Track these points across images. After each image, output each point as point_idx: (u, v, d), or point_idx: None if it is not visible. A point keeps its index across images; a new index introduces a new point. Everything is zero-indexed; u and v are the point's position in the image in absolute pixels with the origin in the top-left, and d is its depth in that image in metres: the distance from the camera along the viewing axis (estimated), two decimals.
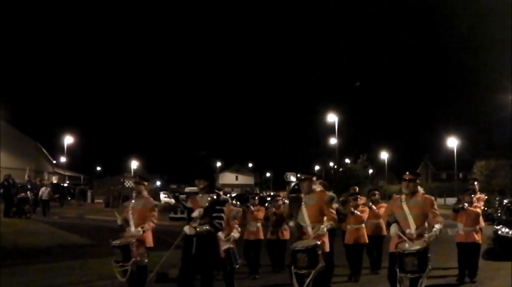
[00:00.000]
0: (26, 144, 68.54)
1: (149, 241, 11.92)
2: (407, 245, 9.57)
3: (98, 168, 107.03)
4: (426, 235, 9.67)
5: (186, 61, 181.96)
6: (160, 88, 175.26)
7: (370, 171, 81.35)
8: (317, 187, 11.13)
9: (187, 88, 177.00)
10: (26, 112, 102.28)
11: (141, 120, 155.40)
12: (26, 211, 33.47)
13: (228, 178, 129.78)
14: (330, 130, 71.38)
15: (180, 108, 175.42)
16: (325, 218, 10.44)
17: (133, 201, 12.30)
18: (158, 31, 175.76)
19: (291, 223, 10.77)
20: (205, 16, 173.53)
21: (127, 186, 54.07)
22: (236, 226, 13.13)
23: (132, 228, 11.83)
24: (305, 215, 10.51)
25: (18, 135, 67.64)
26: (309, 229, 10.39)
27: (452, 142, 74.90)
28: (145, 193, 12.29)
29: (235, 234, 13.04)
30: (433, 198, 10.28)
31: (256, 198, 17.15)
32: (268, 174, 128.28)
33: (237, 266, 12.95)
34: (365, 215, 15.22)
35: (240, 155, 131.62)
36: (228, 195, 61.50)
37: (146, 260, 11.77)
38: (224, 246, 12.05)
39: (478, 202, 15.35)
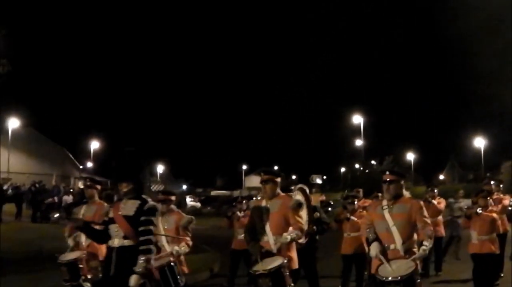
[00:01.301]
0: (53, 150, 68.96)
1: (102, 252, 9.96)
2: (389, 269, 7.74)
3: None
4: (415, 255, 7.87)
5: (212, 66, 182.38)
6: (186, 93, 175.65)
7: None
8: (296, 194, 9.36)
9: (212, 94, 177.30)
10: (53, 118, 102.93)
11: (167, 124, 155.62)
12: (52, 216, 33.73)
13: (254, 181, 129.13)
14: (355, 131, 71.30)
15: (206, 113, 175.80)
16: (290, 228, 8.62)
17: (83, 207, 10.77)
18: (179, 37, 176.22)
19: (252, 247, 8.70)
20: (224, 19, 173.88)
21: (153, 190, 54.29)
22: (188, 238, 10.42)
23: (83, 239, 10.44)
24: (266, 225, 8.72)
25: (45, 141, 68.11)
26: (271, 242, 8.59)
27: (479, 142, 74.30)
28: (97, 198, 10.95)
29: (182, 247, 10.30)
30: (421, 202, 8.39)
31: (244, 202, 14.58)
32: (293, 177, 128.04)
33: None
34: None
35: (266, 158, 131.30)
36: (254, 198, 61.63)
37: (101, 275, 9.70)
38: (159, 262, 9.82)
39: (496, 205, 13.86)
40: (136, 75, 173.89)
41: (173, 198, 10.86)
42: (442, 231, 16.27)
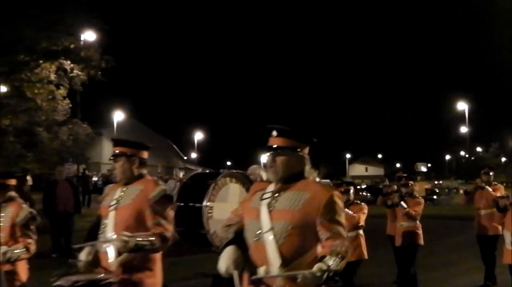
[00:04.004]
0: (158, 141, 70.04)
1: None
2: None
3: (228, 163, 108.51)
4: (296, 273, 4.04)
5: (313, 56, 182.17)
6: (289, 81, 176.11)
7: (503, 159, 79.23)
8: (228, 183, 6.82)
9: (316, 82, 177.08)
10: (157, 110, 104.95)
11: (271, 115, 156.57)
12: None
13: (357, 169, 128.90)
14: (460, 118, 69.94)
15: (310, 101, 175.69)
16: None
17: None
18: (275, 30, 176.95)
19: (83, 255, 5.42)
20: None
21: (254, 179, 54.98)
22: (29, 240, 6.91)
23: None
24: (109, 223, 5.52)
25: (150, 133, 69.37)
26: (110, 253, 5.33)
27: None
28: None
29: (16, 251, 6.71)
30: (337, 193, 4.43)
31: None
32: (398, 165, 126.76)
33: None
34: (362, 216, 10.20)
35: (369, 146, 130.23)
36: (358, 187, 60.88)
37: None
38: None
39: None
40: (237, 67, 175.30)
41: (13, 182, 7.44)
42: (499, 228, 11.50)
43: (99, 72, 28.03)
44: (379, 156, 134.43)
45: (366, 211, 10.34)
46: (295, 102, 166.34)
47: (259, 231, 4.30)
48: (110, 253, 5.25)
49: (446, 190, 64.44)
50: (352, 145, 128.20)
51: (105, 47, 29.57)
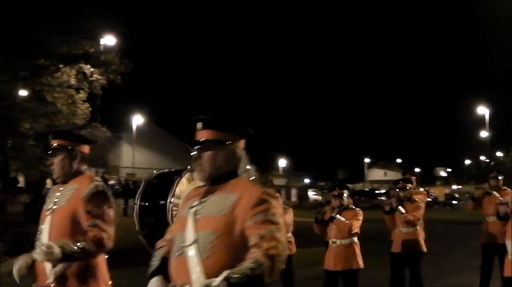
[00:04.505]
0: (176, 145, 70.24)
1: None
2: None
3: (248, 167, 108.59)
4: None
5: (332, 61, 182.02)
6: (308, 87, 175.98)
7: None
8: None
9: (335, 88, 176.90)
10: (175, 114, 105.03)
11: (288, 118, 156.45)
12: None
13: (376, 174, 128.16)
14: (480, 122, 69.53)
15: (328, 106, 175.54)
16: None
17: None
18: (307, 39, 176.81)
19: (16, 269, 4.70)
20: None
21: (275, 184, 54.91)
22: None
23: None
24: (45, 229, 4.91)
25: (168, 137, 69.50)
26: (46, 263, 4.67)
27: None
28: None
29: None
30: (269, 191, 3.63)
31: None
32: (417, 169, 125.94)
33: None
34: (355, 223, 9.36)
35: (388, 151, 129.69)
36: (377, 192, 60.54)
37: None
38: None
39: None
40: (257, 74, 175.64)
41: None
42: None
43: (119, 76, 28.19)
44: (398, 160, 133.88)
45: (361, 217, 9.47)
46: (314, 106, 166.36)
47: (182, 244, 3.60)
48: (46, 264, 4.65)
49: (467, 195, 64.05)
50: (371, 149, 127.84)
51: (125, 51, 29.75)
